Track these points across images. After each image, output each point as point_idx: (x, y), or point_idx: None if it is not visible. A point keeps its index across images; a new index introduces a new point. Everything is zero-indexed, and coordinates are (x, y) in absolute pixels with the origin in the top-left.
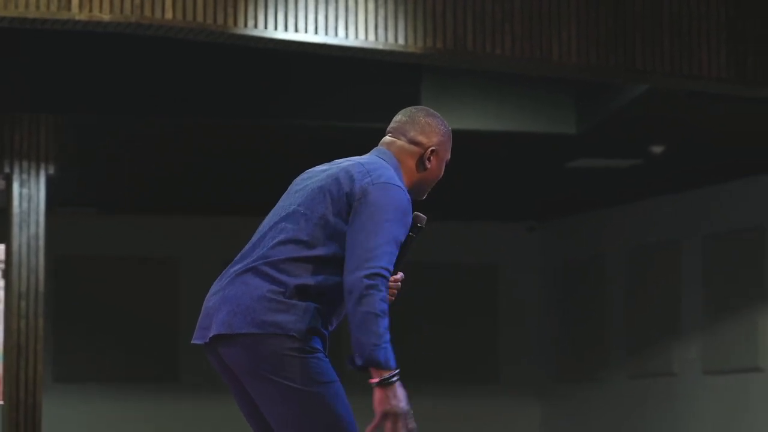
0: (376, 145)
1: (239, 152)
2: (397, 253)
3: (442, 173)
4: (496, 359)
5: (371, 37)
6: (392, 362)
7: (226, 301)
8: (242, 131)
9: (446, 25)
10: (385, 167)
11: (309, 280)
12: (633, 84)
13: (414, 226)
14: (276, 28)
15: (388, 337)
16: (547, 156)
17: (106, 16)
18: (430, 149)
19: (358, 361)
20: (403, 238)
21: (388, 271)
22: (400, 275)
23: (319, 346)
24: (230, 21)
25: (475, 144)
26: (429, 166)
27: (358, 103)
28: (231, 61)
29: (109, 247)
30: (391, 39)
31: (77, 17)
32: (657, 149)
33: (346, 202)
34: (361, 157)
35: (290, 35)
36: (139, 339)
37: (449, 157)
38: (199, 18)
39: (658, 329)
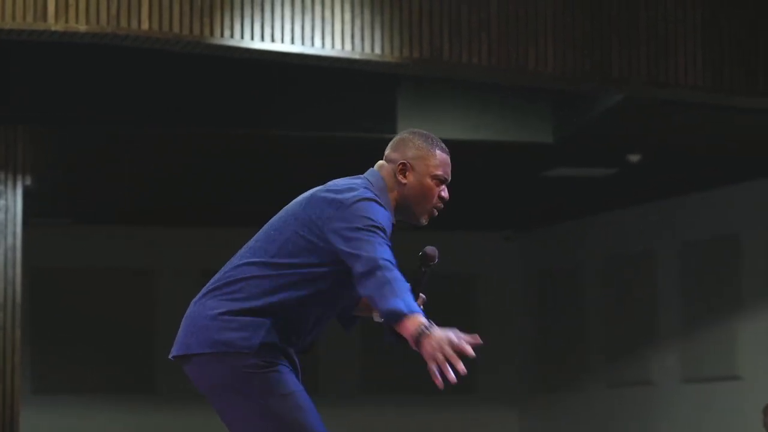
0: (353, 155)
1: (216, 163)
2: (387, 240)
3: (435, 193)
4: (474, 368)
5: (347, 46)
6: (418, 310)
7: (186, 322)
8: (219, 142)
9: (422, 35)
10: (357, 184)
11: (264, 298)
12: (609, 92)
13: (426, 263)
14: (252, 38)
15: (409, 294)
16: (524, 165)
17: (82, 27)
18: (400, 163)
19: (385, 322)
20: (387, 228)
21: (391, 261)
22: (420, 300)
23: (278, 360)
24: (206, 31)
25: (452, 153)
26: (404, 181)
27: (335, 113)
28: (210, 71)
29: (86, 259)
30: (367, 49)
31: (53, 28)
32: (633, 158)
33: (315, 223)
34: (342, 178)
35: (266, 45)
36: (116, 350)
37: (441, 174)
38: (176, 28)
39: (636, 338)
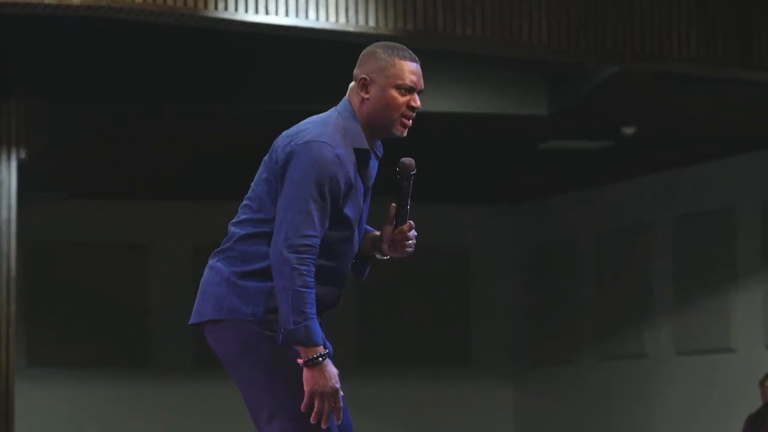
0: None
1: (211, 138)
2: (324, 210)
3: (400, 103)
4: (468, 342)
5: (342, 19)
6: (315, 339)
7: (200, 288)
8: (213, 117)
9: (417, 7)
10: (316, 123)
11: (263, 257)
12: (603, 65)
13: (405, 175)
14: (246, 11)
15: (311, 312)
16: (519, 138)
17: (76, 0)
18: (360, 78)
19: (280, 339)
20: (326, 192)
21: (311, 237)
22: (407, 225)
23: None
24: (200, 4)
25: (446, 126)
26: (367, 96)
27: (329, 85)
28: (202, 47)
29: (81, 233)
30: (361, 21)
31: (47, 1)
32: (628, 131)
33: (276, 171)
34: (309, 118)
35: (260, 18)
36: (111, 324)
37: (403, 83)
38: (169, 1)
39: (630, 311)
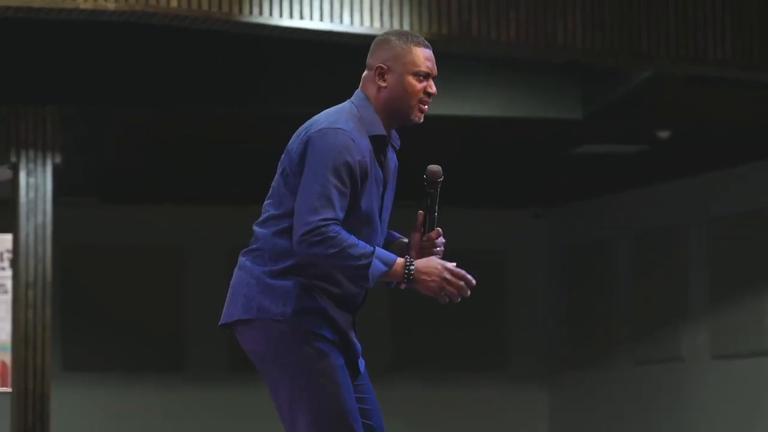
0: None
1: (244, 141)
2: (343, 194)
3: (417, 89)
4: (503, 346)
5: (377, 23)
6: (390, 258)
7: (230, 289)
8: (246, 121)
9: (451, 11)
10: (329, 113)
11: (289, 255)
12: (638, 68)
13: (432, 182)
14: (281, 16)
15: (366, 248)
16: (553, 142)
17: (111, 5)
18: (376, 68)
19: (371, 284)
20: (345, 176)
21: (329, 220)
22: (435, 232)
23: (318, 329)
24: (235, 9)
25: (480, 130)
26: (384, 84)
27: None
28: (235, 51)
29: (115, 237)
30: (396, 25)
31: (82, 6)
32: (663, 134)
33: (293, 165)
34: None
35: (295, 22)
36: (145, 328)
37: (420, 69)
38: (204, 6)
39: (666, 315)
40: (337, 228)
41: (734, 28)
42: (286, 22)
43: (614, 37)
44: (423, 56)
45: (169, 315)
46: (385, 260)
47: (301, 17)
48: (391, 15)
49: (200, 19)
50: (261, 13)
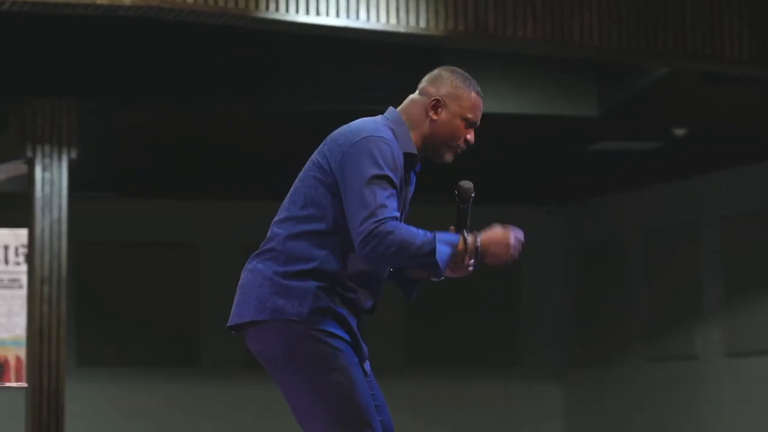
0: None
1: (259, 137)
2: (393, 195)
3: (470, 136)
4: (516, 343)
5: (392, 20)
6: (454, 239)
7: (238, 290)
8: (262, 116)
9: (467, 8)
10: (367, 122)
11: (307, 258)
12: (654, 66)
13: (463, 198)
14: (297, 12)
15: (427, 237)
16: (569, 139)
17: (127, 0)
18: (434, 99)
19: (442, 274)
20: (395, 180)
21: (385, 219)
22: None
23: (332, 328)
24: (251, 4)
25: (495, 127)
26: (436, 117)
27: (379, 87)
28: (250, 46)
29: (131, 232)
30: (412, 22)
31: (98, 1)
32: (679, 132)
33: (329, 171)
34: (359, 119)
35: (311, 18)
36: (160, 323)
37: (471, 117)
38: (221, 2)
39: (680, 312)
40: (394, 224)
41: (750, 25)
42: (302, 18)
43: (630, 35)
44: (478, 106)
45: (183, 311)
46: (448, 242)
47: (318, 13)
48: (407, 11)
49: (216, 15)
50: (277, 9)
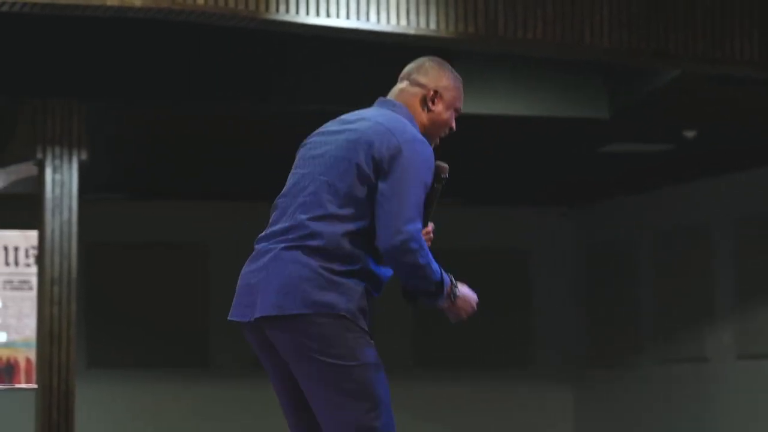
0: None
1: (269, 138)
2: (424, 205)
3: (453, 123)
4: (528, 344)
5: (403, 22)
6: (449, 277)
7: (274, 280)
8: (271, 117)
9: (478, 10)
10: (403, 122)
11: (355, 259)
12: (664, 68)
13: (438, 177)
14: (307, 13)
15: (438, 273)
16: (579, 141)
17: (137, 2)
18: (433, 90)
19: (434, 306)
20: (428, 188)
21: (420, 230)
22: (430, 226)
23: (366, 327)
24: (261, 6)
25: (506, 129)
26: (433, 108)
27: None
28: (251, 46)
29: (141, 233)
30: (422, 24)
31: (109, 3)
32: (689, 134)
33: (374, 169)
34: (373, 112)
35: (321, 20)
36: (170, 324)
37: (460, 107)
38: (231, 4)
39: (691, 314)
40: (421, 240)
41: (761, 28)
42: (312, 19)
43: (641, 37)
44: (462, 96)
45: (194, 312)
46: (447, 280)
47: (328, 15)
48: (417, 13)
49: (226, 16)
50: (287, 10)
